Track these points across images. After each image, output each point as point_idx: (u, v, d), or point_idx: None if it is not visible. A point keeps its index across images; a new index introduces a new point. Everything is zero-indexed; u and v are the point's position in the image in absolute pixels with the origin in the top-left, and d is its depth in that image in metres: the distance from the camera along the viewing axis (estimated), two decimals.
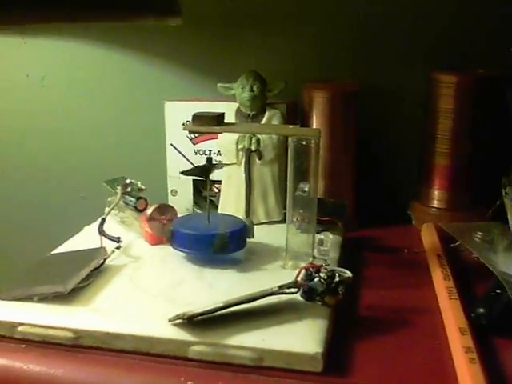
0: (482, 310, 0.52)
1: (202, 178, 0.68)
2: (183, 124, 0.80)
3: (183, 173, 0.69)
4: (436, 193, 0.78)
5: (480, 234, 0.66)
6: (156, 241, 0.69)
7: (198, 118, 0.59)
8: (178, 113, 0.80)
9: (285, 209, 0.76)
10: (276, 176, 0.76)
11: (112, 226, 0.71)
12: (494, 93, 0.74)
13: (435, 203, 0.78)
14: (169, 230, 0.65)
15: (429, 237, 0.72)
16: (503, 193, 0.67)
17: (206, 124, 0.59)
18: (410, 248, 0.72)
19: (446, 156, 0.76)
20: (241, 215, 0.74)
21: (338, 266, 0.57)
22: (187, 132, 0.80)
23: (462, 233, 0.69)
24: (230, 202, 0.77)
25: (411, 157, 0.82)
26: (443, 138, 0.75)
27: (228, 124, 0.63)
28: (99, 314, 0.52)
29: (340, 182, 0.78)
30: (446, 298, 0.55)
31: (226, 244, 0.61)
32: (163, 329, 0.49)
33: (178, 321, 0.50)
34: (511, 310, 0.52)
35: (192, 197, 0.82)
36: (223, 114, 0.61)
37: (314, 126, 0.77)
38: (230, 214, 0.71)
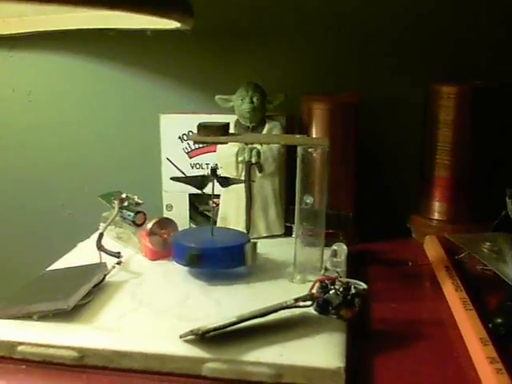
0: (499, 320, 0.51)
1: (198, 188, 0.66)
2: (180, 137, 0.79)
3: (173, 178, 0.67)
4: (436, 205, 0.77)
5: (488, 244, 0.65)
6: (155, 256, 0.67)
7: (204, 128, 0.57)
8: (173, 126, 0.78)
9: (286, 222, 0.75)
10: (277, 189, 0.74)
11: (108, 241, 0.68)
12: (493, 103, 0.74)
13: (436, 215, 0.78)
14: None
15: (433, 249, 0.71)
16: (508, 203, 0.66)
17: (212, 134, 0.57)
18: (414, 260, 0.70)
19: (446, 167, 0.75)
20: (240, 229, 0.72)
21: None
22: (183, 145, 0.79)
23: (469, 244, 0.68)
24: (230, 217, 0.75)
25: (411, 169, 0.81)
26: (443, 150, 0.75)
27: (234, 134, 0.61)
28: (104, 331, 0.50)
29: (339, 194, 0.76)
30: (462, 309, 0.54)
31: (196, 258, 0.59)
32: (174, 346, 0.47)
33: (189, 337, 0.47)
34: None
35: (188, 212, 0.80)
36: (228, 123, 0.60)
37: None
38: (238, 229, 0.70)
